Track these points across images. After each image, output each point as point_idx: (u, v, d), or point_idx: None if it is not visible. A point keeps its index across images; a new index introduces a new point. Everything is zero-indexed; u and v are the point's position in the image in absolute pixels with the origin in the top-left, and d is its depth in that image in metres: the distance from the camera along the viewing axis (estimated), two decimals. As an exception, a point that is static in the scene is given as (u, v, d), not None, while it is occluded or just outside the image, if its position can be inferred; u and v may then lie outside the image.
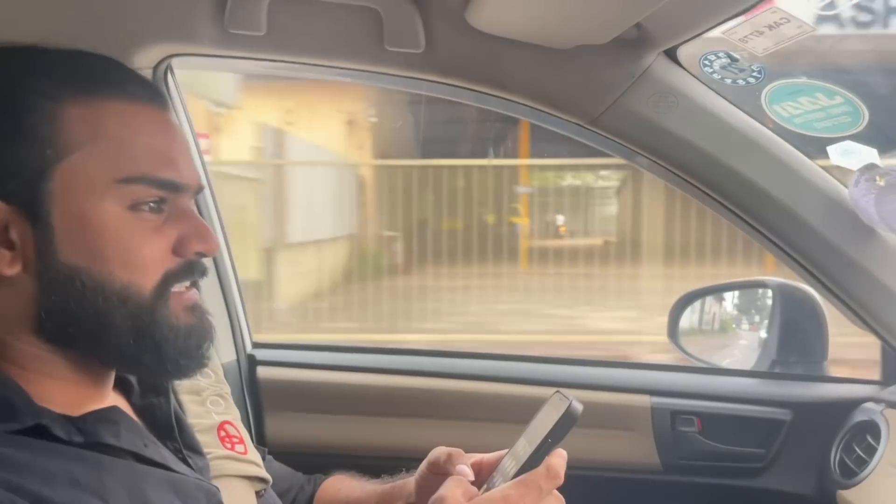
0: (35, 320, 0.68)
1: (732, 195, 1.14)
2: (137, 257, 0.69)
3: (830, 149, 1.11)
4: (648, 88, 1.07)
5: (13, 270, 0.67)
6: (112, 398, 0.75)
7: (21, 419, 0.64)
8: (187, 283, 0.73)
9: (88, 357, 0.71)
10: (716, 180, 1.13)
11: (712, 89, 1.09)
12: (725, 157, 1.10)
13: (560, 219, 8.05)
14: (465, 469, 0.75)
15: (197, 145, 1.29)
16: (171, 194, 0.72)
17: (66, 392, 0.70)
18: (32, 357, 0.69)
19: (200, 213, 1.32)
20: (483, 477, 0.75)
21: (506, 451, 0.74)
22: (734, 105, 1.10)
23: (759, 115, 1.10)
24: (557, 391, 0.71)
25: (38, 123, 0.67)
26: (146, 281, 0.70)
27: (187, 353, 0.72)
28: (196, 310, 0.74)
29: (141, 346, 0.69)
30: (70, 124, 0.68)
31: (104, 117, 0.70)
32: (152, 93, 0.75)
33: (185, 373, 0.74)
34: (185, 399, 0.88)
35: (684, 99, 1.08)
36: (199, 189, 0.78)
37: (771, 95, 1.06)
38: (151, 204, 0.70)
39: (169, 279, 0.71)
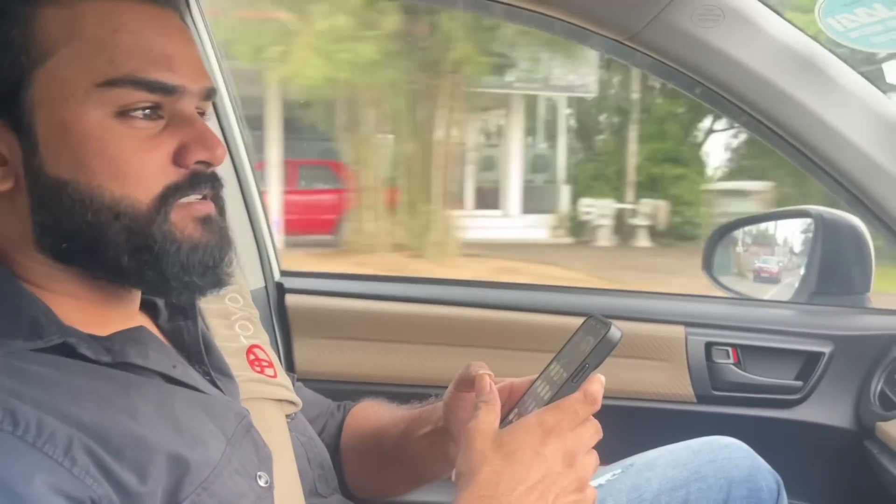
0: (34, 237, 0.66)
1: (779, 117, 1.08)
2: (127, 169, 0.64)
3: (887, 66, 1.05)
4: (693, 1, 1.00)
5: (6, 186, 0.65)
6: (139, 320, 0.74)
7: (47, 337, 0.63)
8: (199, 196, 0.68)
9: (92, 273, 0.68)
10: (762, 102, 1.08)
11: (764, 3, 1.03)
12: (775, 77, 1.04)
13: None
14: (487, 382, 0.72)
15: (215, 50, 1.25)
16: (165, 98, 0.66)
17: (88, 312, 0.68)
18: (47, 276, 0.67)
19: (222, 129, 1.29)
20: (513, 401, 0.73)
21: (536, 375, 0.72)
22: (788, 21, 1.03)
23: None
24: (592, 316, 0.68)
25: (10, 28, 0.63)
26: (142, 194, 0.64)
27: (191, 268, 0.66)
28: (209, 223, 0.68)
29: (139, 261, 0.65)
30: (46, 27, 0.64)
31: (83, 17, 0.64)
32: None
33: (193, 290, 0.68)
34: (214, 322, 0.86)
35: (732, 13, 1.02)
36: (207, 93, 0.70)
37: (825, 7, 0.99)
38: (145, 110, 0.65)
39: (170, 193, 0.65)
